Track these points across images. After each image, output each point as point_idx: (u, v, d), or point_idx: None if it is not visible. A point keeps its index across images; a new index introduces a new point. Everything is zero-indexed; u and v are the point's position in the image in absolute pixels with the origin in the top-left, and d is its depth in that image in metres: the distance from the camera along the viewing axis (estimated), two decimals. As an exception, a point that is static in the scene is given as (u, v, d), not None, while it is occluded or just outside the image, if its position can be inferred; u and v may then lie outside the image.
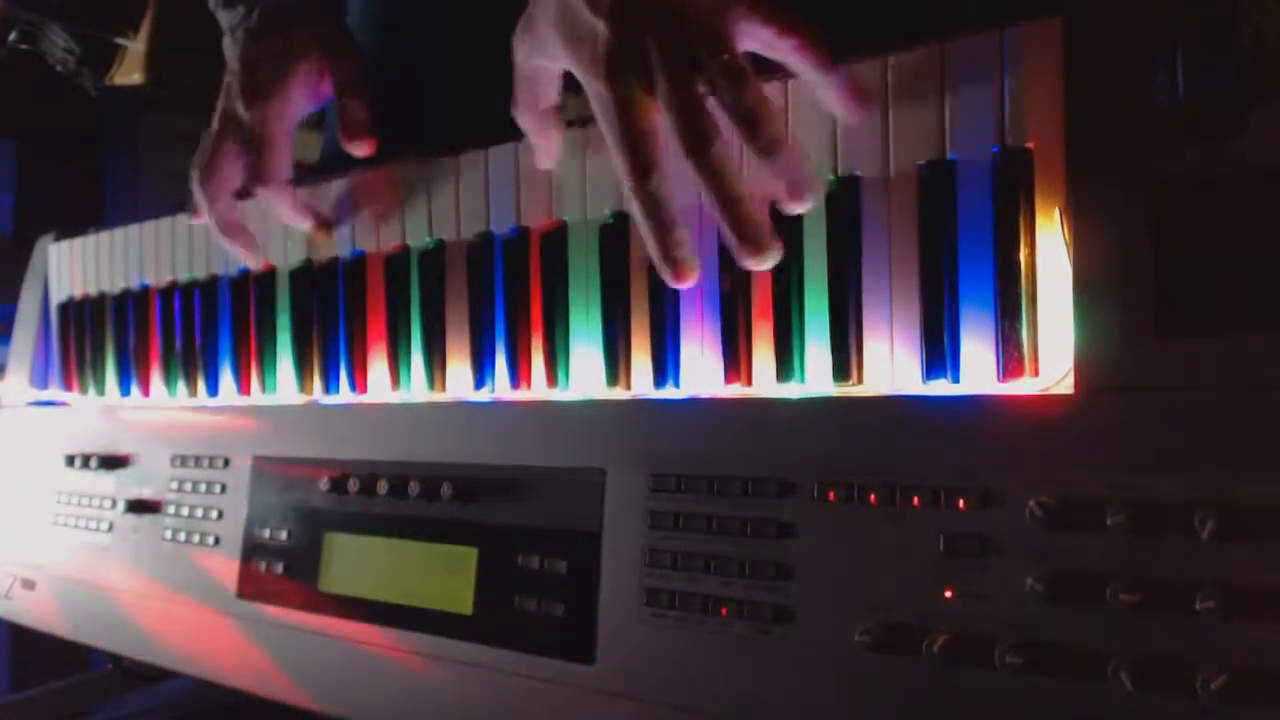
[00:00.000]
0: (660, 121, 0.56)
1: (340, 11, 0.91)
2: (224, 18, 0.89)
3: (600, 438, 0.61)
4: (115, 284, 1.03)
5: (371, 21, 0.96)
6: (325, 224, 0.83)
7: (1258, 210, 0.44)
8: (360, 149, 0.81)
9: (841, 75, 0.55)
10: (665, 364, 0.63)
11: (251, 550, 0.80)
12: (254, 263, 0.86)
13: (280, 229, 0.86)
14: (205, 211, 0.85)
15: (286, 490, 0.78)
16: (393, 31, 0.95)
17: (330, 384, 0.82)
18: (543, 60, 0.62)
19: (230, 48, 0.87)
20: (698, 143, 0.54)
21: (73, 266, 1.09)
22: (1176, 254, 0.45)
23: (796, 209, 0.56)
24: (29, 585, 1.00)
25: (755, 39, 0.56)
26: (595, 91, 0.58)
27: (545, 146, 0.67)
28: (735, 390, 0.60)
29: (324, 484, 0.75)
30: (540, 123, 0.66)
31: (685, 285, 0.57)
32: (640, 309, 0.65)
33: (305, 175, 0.86)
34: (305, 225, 0.83)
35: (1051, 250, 0.51)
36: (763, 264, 0.55)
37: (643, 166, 0.56)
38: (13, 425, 1.10)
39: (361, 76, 0.84)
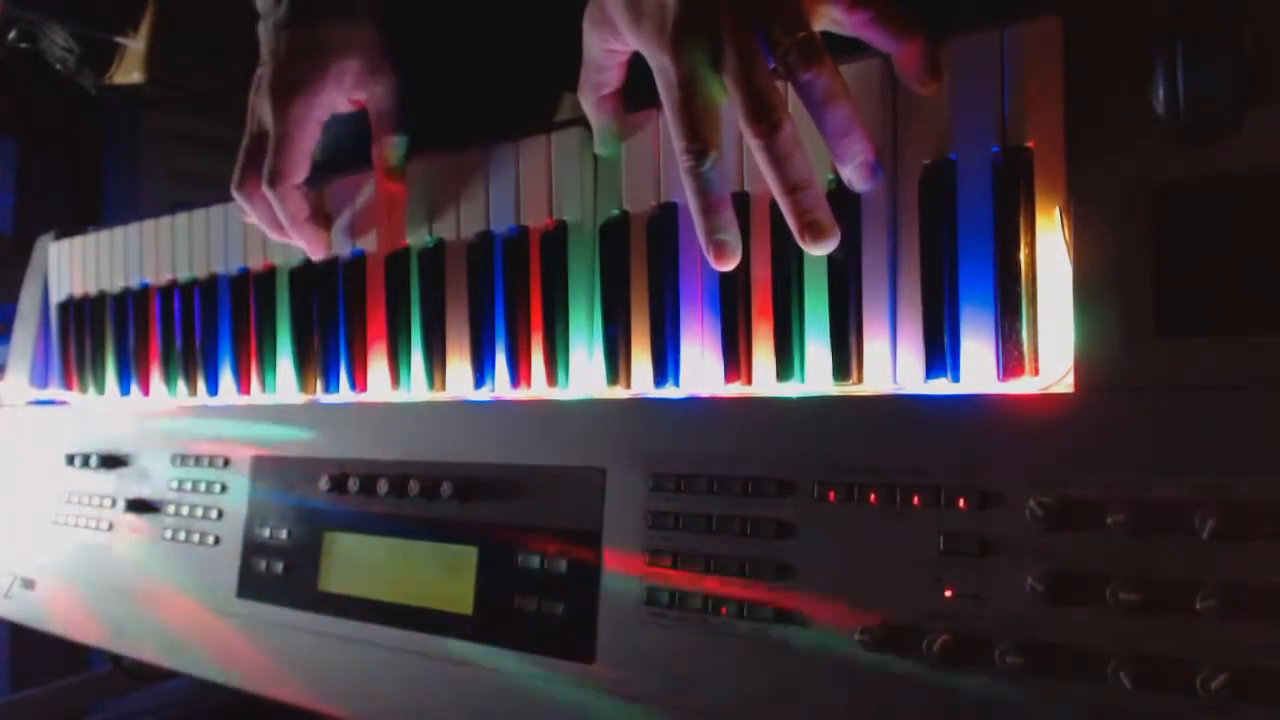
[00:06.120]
0: (723, 102, 0.54)
1: (376, 11, 0.83)
2: (259, 2, 0.85)
3: (600, 437, 0.61)
4: (115, 283, 1.03)
5: None
6: (322, 239, 0.81)
7: (1257, 210, 0.44)
8: (394, 187, 0.79)
9: (915, 47, 0.53)
10: (665, 363, 0.63)
11: (251, 550, 0.80)
12: (319, 254, 0.82)
13: None
14: (248, 212, 0.82)
15: (286, 490, 0.78)
16: (394, 28, 0.95)
17: (330, 383, 0.82)
18: (609, 42, 0.61)
19: (264, 35, 0.82)
20: (768, 126, 0.52)
21: (73, 265, 1.09)
22: (1176, 254, 0.45)
23: (862, 189, 0.55)
24: (29, 585, 1.00)
25: (827, 17, 0.54)
26: (660, 66, 0.56)
27: (605, 132, 0.66)
28: (735, 390, 0.60)
29: (324, 483, 0.75)
30: (602, 107, 0.65)
31: (726, 268, 0.56)
32: (640, 309, 0.65)
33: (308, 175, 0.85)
34: (300, 242, 0.80)
35: (1051, 250, 0.51)
36: (824, 249, 0.54)
37: (699, 146, 0.54)
38: (13, 425, 1.09)
39: (395, 100, 0.81)
